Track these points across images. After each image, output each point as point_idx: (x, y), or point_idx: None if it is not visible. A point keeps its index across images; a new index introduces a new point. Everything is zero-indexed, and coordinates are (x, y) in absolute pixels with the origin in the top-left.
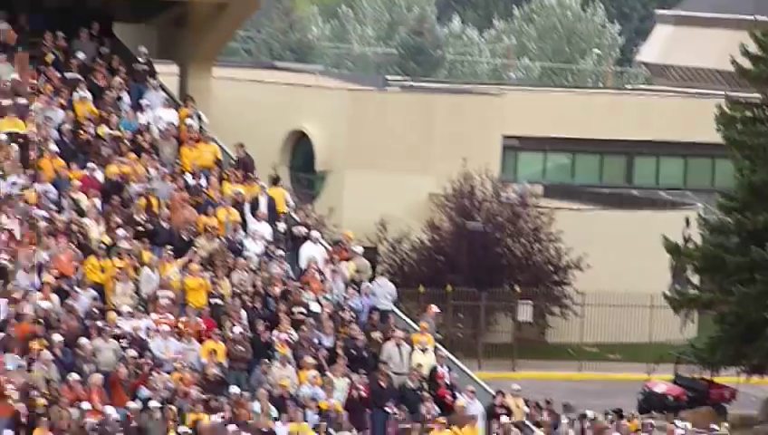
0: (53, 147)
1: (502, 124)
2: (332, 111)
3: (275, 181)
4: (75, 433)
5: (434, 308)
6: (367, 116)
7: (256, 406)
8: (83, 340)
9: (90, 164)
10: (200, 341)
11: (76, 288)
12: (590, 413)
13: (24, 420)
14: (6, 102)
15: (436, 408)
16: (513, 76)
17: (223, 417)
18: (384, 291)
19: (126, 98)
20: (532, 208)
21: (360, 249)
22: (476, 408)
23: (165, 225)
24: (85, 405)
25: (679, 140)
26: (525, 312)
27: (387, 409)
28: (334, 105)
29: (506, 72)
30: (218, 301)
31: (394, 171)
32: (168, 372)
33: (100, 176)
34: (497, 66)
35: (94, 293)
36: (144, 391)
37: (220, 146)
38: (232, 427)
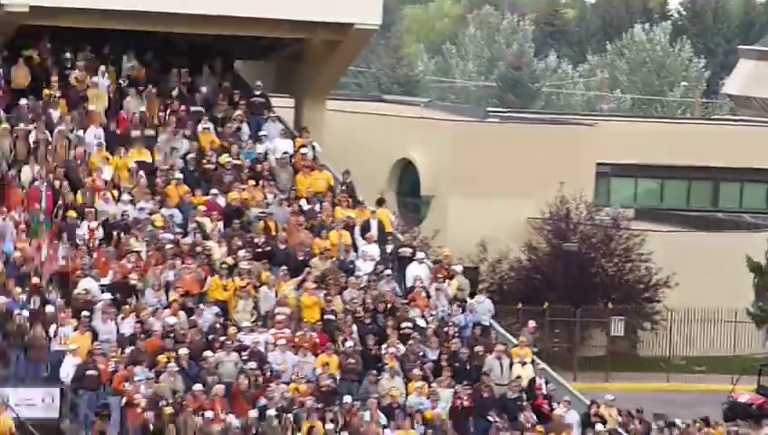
0: (179, 175)
1: (595, 152)
2: (437, 140)
3: (381, 203)
4: None
5: (532, 324)
6: (469, 145)
7: (366, 415)
8: (207, 353)
9: (212, 190)
10: (315, 354)
11: (200, 305)
12: (678, 421)
13: (151, 427)
14: (136, 134)
15: (535, 417)
16: (606, 107)
17: (336, 425)
18: (484, 307)
19: (245, 129)
20: (623, 231)
21: (460, 268)
22: (572, 417)
23: (282, 246)
24: (209, 414)
25: (762, 167)
26: (618, 327)
27: (488, 417)
28: (438, 135)
29: (599, 104)
30: (331, 317)
31: (494, 196)
32: (285, 383)
33: (221, 201)
34: (591, 98)
35: (217, 309)
36: (263, 401)
37: (332, 173)
38: (343, 434)
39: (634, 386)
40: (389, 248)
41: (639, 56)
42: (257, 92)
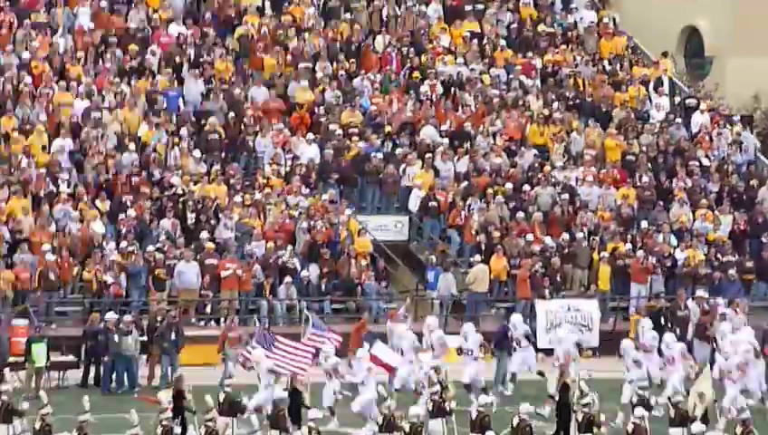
0: (503, 42)
1: None
2: (719, 8)
3: (665, 54)
4: (522, 257)
5: None
6: (747, 11)
7: (660, 237)
8: (527, 187)
9: (529, 54)
10: (616, 187)
11: (522, 148)
12: None
13: (483, 247)
14: (468, 8)
15: None
16: None
17: (634, 245)
18: (751, 144)
19: (558, 2)
20: None
21: (737, 118)
22: None
23: (588, 99)
24: (529, 237)
25: None
26: None
27: (762, 239)
28: (721, 4)
29: None
30: (630, 157)
31: (767, 55)
32: (592, 212)
33: (538, 63)
34: None
35: (535, 151)
36: (573, 226)
37: (630, 38)
38: (640, 253)
39: None
40: (678, 100)
41: None
42: None
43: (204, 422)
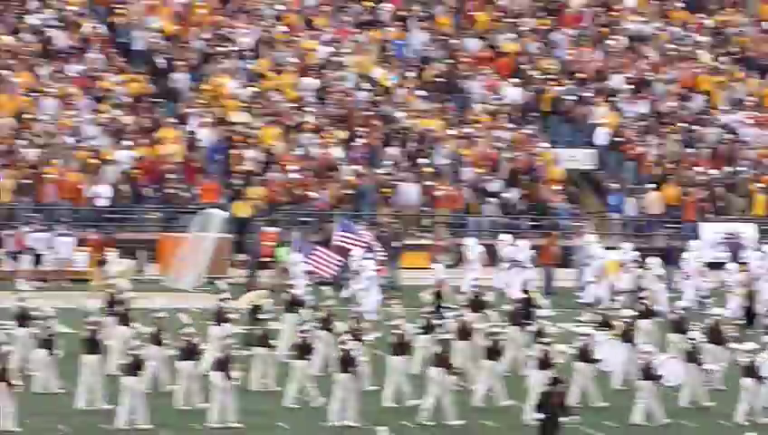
0: (679, 3)
1: None
2: None
3: None
4: (691, 186)
5: None
6: None
7: None
8: (696, 127)
9: (701, 14)
10: None
11: (693, 94)
12: None
13: (658, 177)
14: None
15: None
16: None
17: None
18: None
19: None
20: None
21: None
22: None
23: (751, 54)
24: (698, 169)
25: None
26: None
27: None
28: None
29: None
30: None
31: None
32: (751, 149)
33: (709, 22)
34: None
35: (704, 97)
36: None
37: None
38: None
39: None
40: None
41: None
42: None
43: (455, 317)
